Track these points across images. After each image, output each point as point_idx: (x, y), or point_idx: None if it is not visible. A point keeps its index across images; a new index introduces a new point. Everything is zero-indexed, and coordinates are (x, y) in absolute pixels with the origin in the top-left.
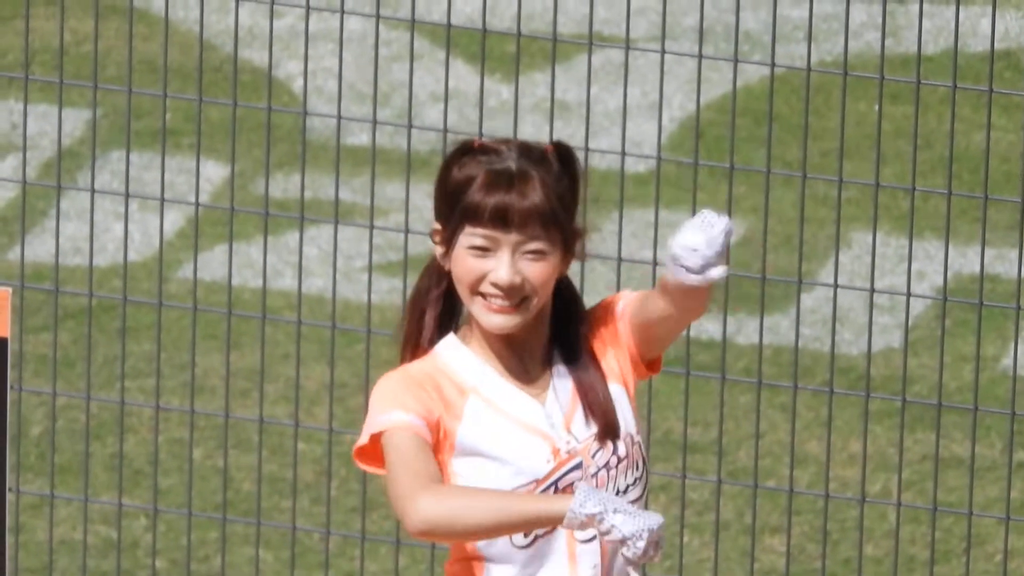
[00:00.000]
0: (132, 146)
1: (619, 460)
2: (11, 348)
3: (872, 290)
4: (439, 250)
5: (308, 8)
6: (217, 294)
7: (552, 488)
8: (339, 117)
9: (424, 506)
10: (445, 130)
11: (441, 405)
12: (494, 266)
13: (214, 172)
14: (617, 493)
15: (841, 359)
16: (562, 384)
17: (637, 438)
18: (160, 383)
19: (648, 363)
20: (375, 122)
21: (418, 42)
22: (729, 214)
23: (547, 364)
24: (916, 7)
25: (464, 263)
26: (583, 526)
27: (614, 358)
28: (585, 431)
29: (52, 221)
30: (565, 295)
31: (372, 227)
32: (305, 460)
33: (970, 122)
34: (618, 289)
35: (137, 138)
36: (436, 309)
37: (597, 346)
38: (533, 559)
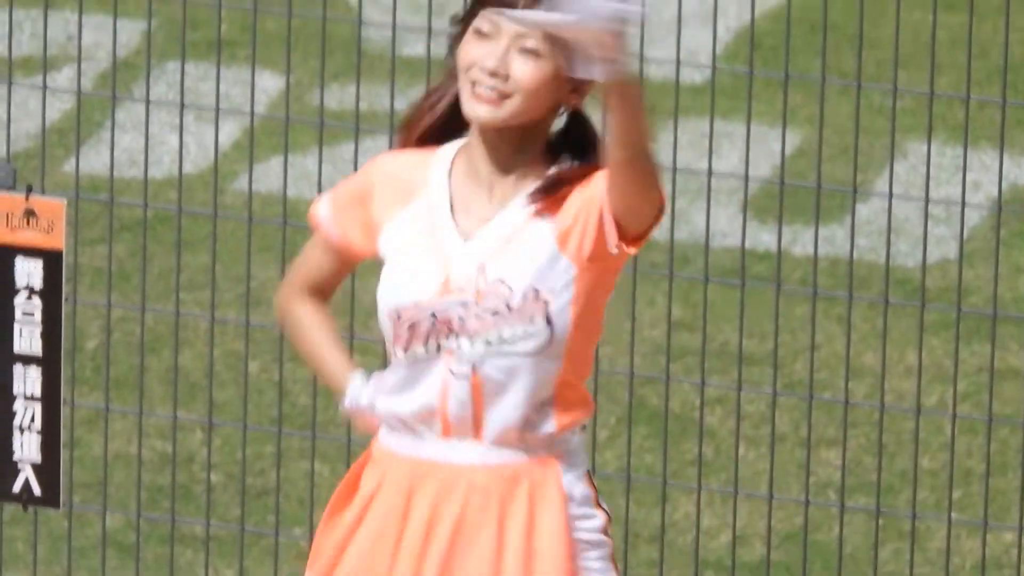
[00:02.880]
0: (187, 57)
1: (509, 310)
2: (66, 260)
3: (927, 200)
4: (454, 39)
5: None
6: (273, 206)
7: (431, 316)
8: (394, 27)
9: (277, 300)
10: None
11: (377, 209)
12: (487, 51)
13: (270, 83)
14: (501, 342)
15: (896, 270)
16: (505, 219)
17: (546, 296)
18: (216, 295)
19: (629, 238)
20: (430, 32)
21: None
22: (784, 124)
23: (513, 193)
24: None
25: (465, 46)
26: (355, 415)
27: (574, 219)
28: (497, 272)
29: (107, 132)
30: (573, 133)
31: None
32: None
33: None
34: (674, 201)
35: (192, 49)
36: (438, 109)
37: (573, 203)
38: (412, 375)
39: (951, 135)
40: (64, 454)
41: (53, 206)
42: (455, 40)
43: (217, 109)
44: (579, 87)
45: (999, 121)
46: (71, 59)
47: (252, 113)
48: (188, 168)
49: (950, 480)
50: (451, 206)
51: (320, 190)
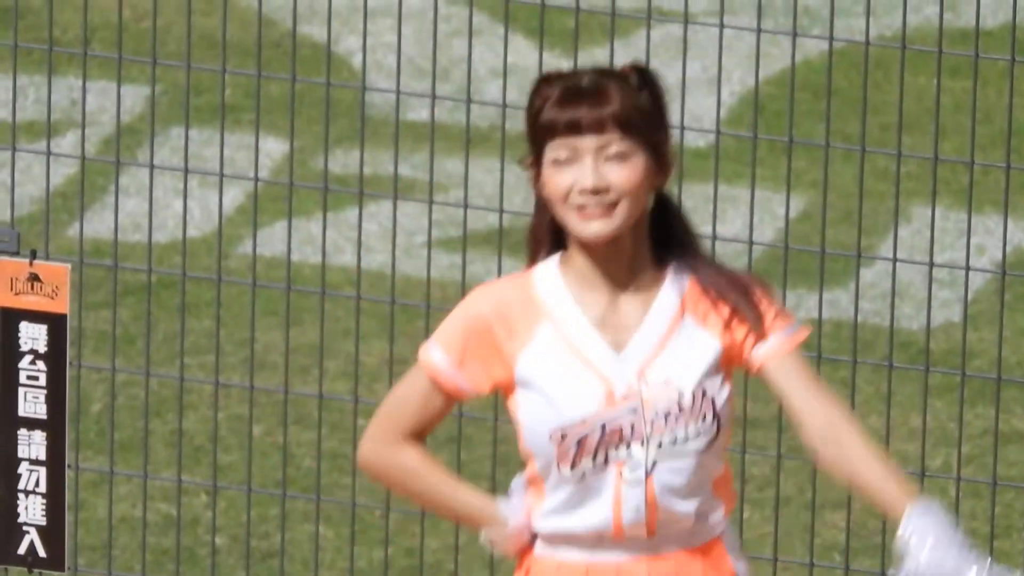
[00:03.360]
0: (191, 122)
1: (680, 410)
2: (70, 324)
3: (931, 264)
4: (533, 177)
5: None
6: (277, 270)
7: (601, 429)
8: (398, 92)
9: (364, 450)
10: (504, 105)
11: (503, 340)
12: (578, 174)
13: (274, 148)
14: (674, 443)
15: (901, 333)
16: (655, 324)
17: (712, 394)
18: (220, 359)
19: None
20: (434, 97)
21: (477, 17)
22: (788, 188)
23: (648, 297)
24: None
25: (551, 179)
26: (508, 539)
27: (733, 328)
28: (661, 376)
29: (111, 197)
30: (663, 210)
31: (431, 203)
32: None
33: None
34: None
35: (196, 114)
36: (547, 242)
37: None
38: (580, 492)
39: (955, 199)
40: (69, 517)
41: (57, 271)
42: (535, 179)
43: (221, 174)
44: (663, 167)
45: (1003, 185)
46: (75, 124)
47: (256, 178)
48: (192, 233)
49: None
50: (592, 321)
51: (324, 255)
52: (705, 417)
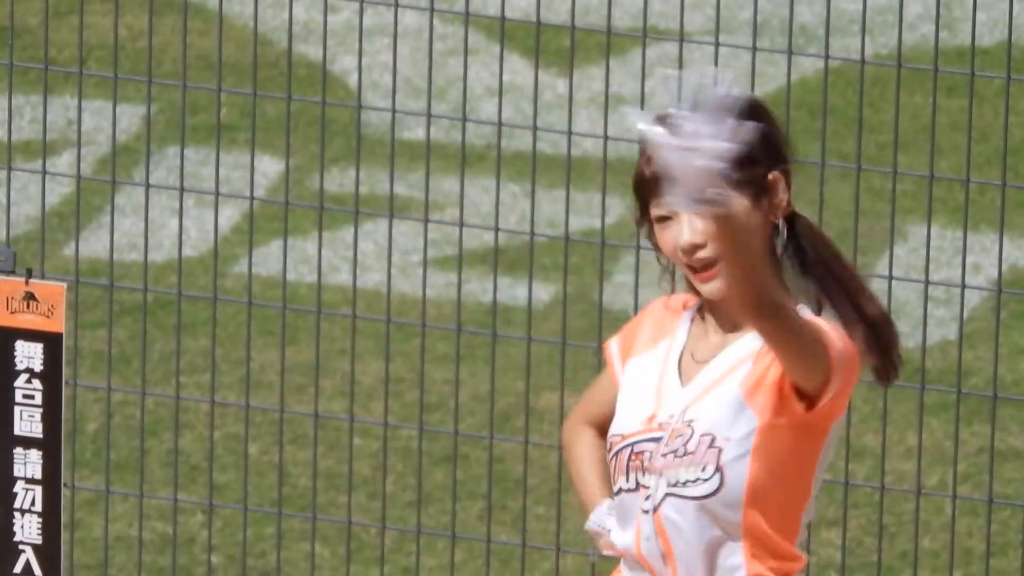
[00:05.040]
0: (187, 141)
1: (685, 452)
2: (66, 344)
3: (927, 282)
4: (647, 233)
5: (363, 2)
6: (273, 289)
7: (629, 448)
8: (394, 111)
9: (564, 429)
10: (500, 124)
11: (638, 338)
12: (677, 231)
13: (269, 167)
14: (676, 484)
15: None
16: (717, 365)
17: (721, 444)
18: (216, 378)
19: (806, 398)
20: (430, 116)
21: (473, 36)
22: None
23: (732, 339)
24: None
25: (660, 237)
26: (595, 537)
27: (763, 372)
28: (692, 415)
29: (107, 217)
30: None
31: (427, 221)
32: (361, 455)
33: None
34: (672, 288)
35: (192, 133)
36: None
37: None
38: (622, 510)
39: (951, 218)
40: (65, 536)
41: (53, 290)
42: (650, 237)
43: (217, 193)
44: (773, 202)
45: (999, 204)
46: (71, 144)
47: (252, 197)
48: (188, 252)
49: (951, 561)
50: (682, 351)
51: (320, 274)
52: (705, 466)
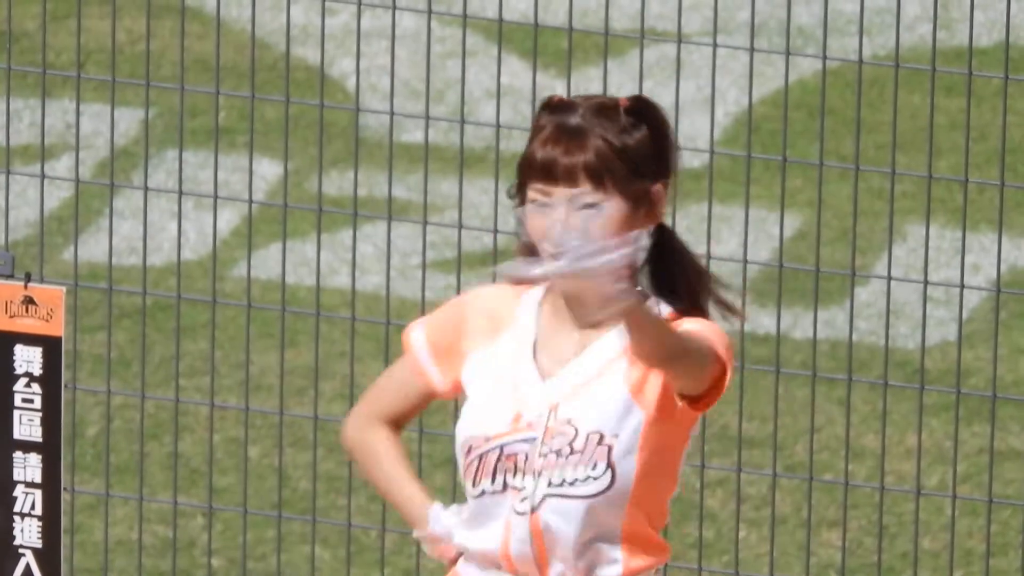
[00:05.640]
0: (186, 145)
1: (571, 451)
2: (65, 348)
3: (926, 283)
4: (517, 206)
5: (361, 5)
6: (272, 292)
7: (499, 449)
8: (392, 114)
9: (347, 427)
10: (498, 126)
11: (469, 334)
12: (551, 221)
13: (268, 170)
14: (561, 483)
15: (896, 352)
16: (584, 362)
17: (610, 442)
18: (216, 382)
19: (687, 399)
20: (428, 119)
21: (471, 38)
22: (783, 207)
23: (596, 336)
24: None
25: (530, 219)
26: (430, 542)
27: (648, 369)
28: (568, 414)
29: (106, 220)
30: (658, 251)
31: (426, 224)
32: None
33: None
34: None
35: (191, 137)
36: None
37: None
38: (480, 513)
39: (950, 218)
40: (65, 540)
41: (52, 294)
42: (520, 214)
43: (216, 196)
44: (650, 210)
45: (998, 203)
46: (70, 147)
47: (251, 200)
48: (187, 255)
49: (951, 561)
50: (535, 344)
51: (319, 277)
52: (596, 464)
